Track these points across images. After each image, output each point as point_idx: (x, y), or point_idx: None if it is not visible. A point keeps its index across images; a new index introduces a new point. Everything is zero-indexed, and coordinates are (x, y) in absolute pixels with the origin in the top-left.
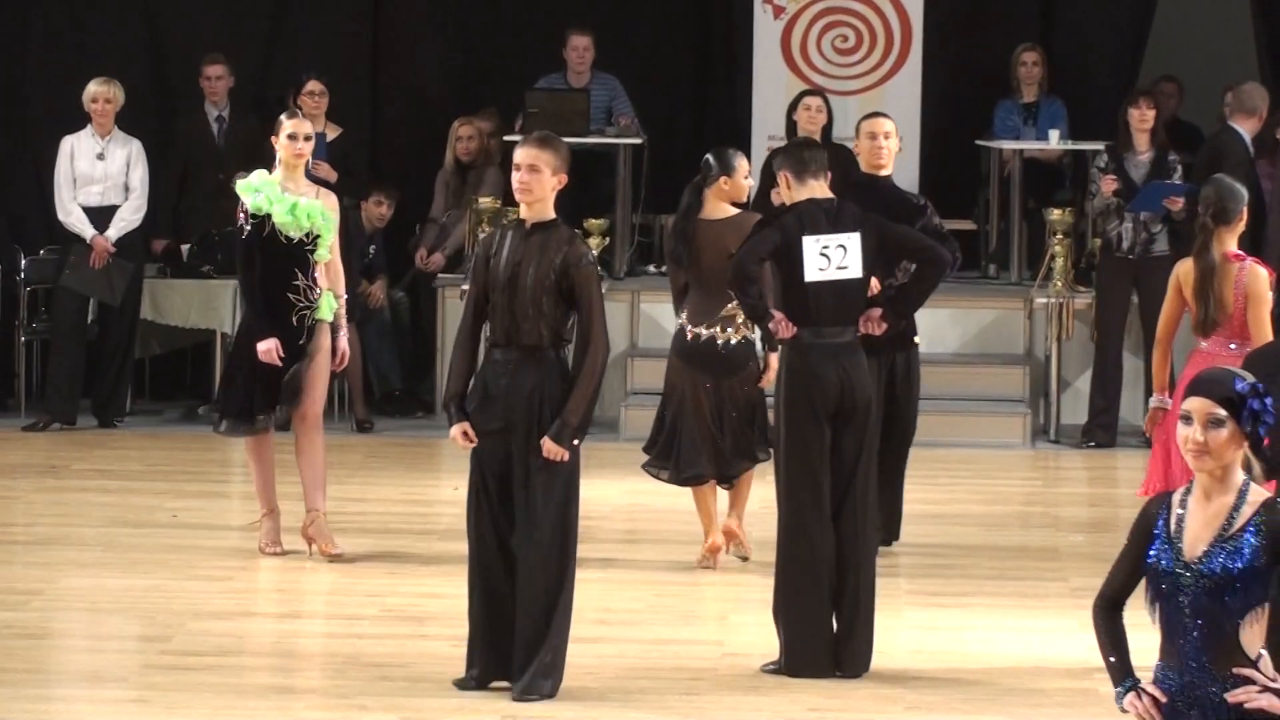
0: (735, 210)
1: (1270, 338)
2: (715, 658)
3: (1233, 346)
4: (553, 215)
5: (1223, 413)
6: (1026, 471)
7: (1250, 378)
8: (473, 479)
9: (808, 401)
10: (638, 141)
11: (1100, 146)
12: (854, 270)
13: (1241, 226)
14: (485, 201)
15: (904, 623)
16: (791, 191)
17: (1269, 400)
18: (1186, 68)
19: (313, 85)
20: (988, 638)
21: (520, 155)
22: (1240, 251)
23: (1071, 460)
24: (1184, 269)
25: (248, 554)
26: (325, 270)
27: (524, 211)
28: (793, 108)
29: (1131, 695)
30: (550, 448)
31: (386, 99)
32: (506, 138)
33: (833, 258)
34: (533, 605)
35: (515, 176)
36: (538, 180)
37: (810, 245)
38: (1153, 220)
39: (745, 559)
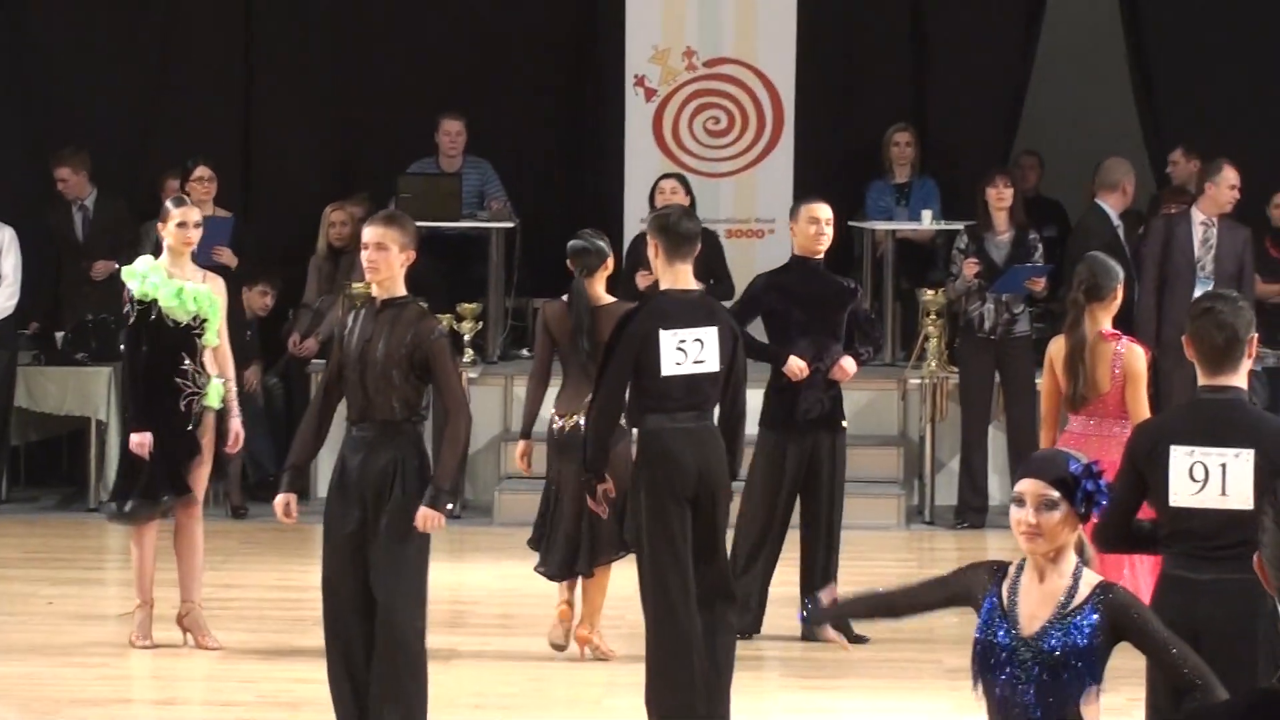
0: (611, 298)
1: (1148, 415)
2: None
3: (1092, 423)
4: (403, 292)
5: (1056, 494)
6: (901, 553)
7: (1084, 459)
8: (326, 554)
9: (668, 484)
10: (510, 225)
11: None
12: (710, 364)
13: (1116, 304)
14: (358, 286)
15: (778, 706)
16: (658, 263)
17: (1103, 482)
18: (1060, 142)
19: (201, 171)
20: None
21: (368, 234)
22: (1116, 330)
23: (945, 541)
24: (1055, 346)
25: (124, 641)
26: (213, 355)
27: (375, 290)
28: (653, 192)
29: None
30: (426, 513)
31: (259, 185)
32: None
33: (689, 351)
34: (386, 679)
35: (364, 255)
36: (384, 259)
37: (667, 340)
38: (1014, 300)
39: (606, 659)
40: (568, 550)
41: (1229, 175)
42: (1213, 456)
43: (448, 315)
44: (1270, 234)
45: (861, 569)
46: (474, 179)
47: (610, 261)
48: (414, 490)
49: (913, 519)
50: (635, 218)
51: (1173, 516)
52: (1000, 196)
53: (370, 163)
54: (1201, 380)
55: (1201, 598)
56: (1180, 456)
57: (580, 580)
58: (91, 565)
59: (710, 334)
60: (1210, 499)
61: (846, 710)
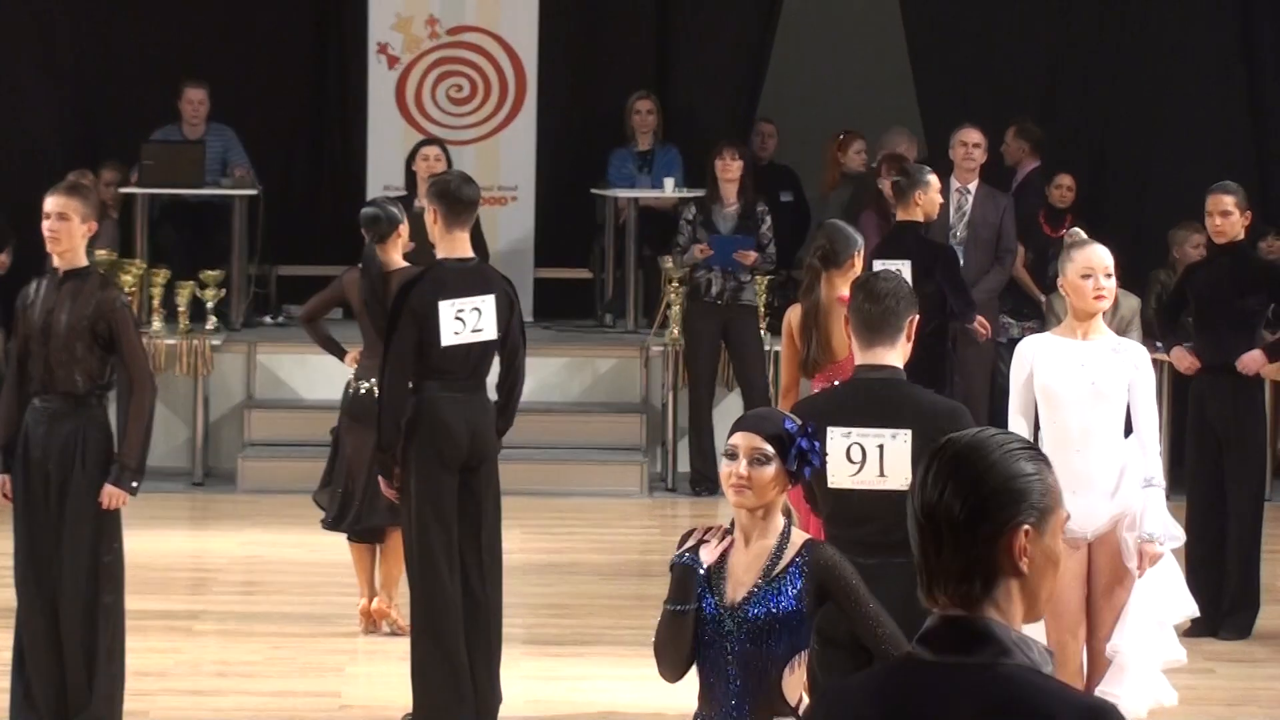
0: (403, 263)
1: None
2: (333, 709)
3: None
4: (85, 262)
5: (770, 450)
6: (644, 520)
7: (799, 420)
8: (16, 527)
9: (438, 452)
10: (253, 192)
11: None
12: (489, 332)
13: (854, 271)
14: (101, 254)
15: (520, 673)
16: (435, 229)
17: (818, 443)
18: (797, 110)
19: None
20: (607, 687)
21: (50, 204)
22: None
23: (686, 509)
24: (793, 312)
25: None
26: None
27: (56, 260)
28: (411, 158)
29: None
30: (110, 491)
31: (2, 153)
32: (123, 190)
33: (467, 321)
34: (74, 656)
35: (45, 225)
36: (66, 229)
37: (446, 310)
38: (744, 271)
39: (403, 634)
40: (343, 506)
41: (963, 133)
42: (870, 437)
43: (190, 282)
44: (1046, 211)
45: (602, 536)
46: (217, 146)
47: (404, 228)
48: (96, 465)
49: (655, 486)
50: (379, 184)
51: (833, 499)
52: (727, 169)
53: (114, 129)
54: (858, 359)
55: (869, 583)
56: (838, 437)
57: (377, 555)
58: None
59: (488, 302)
60: (869, 480)
61: (591, 676)
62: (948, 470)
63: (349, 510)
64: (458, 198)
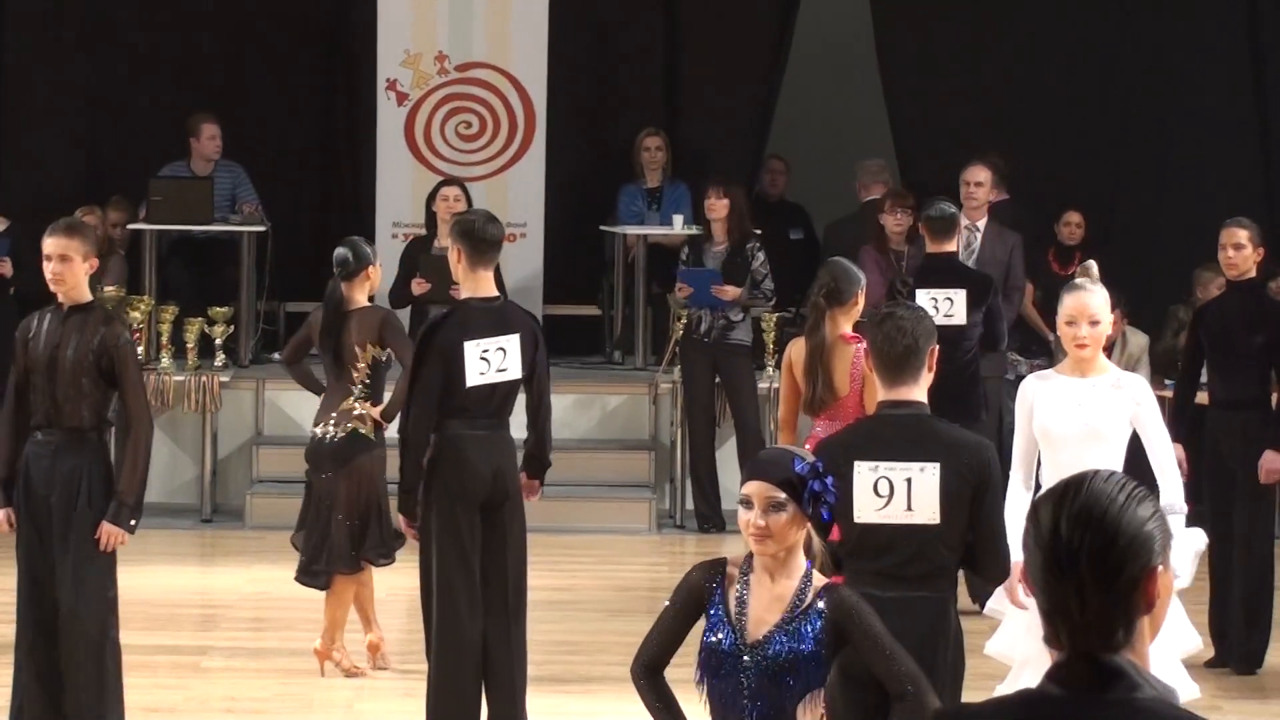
0: (366, 303)
1: None
2: None
3: (835, 428)
4: (89, 297)
5: (782, 495)
6: (652, 556)
7: (810, 458)
8: (19, 559)
9: (461, 490)
10: (262, 229)
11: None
12: (513, 372)
13: (857, 309)
14: (109, 290)
15: (529, 710)
16: (460, 269)
17: (829, 480)
18: (808, 146)
19: None
20: None
21: (49, 246)
22: (857, 334)
23: (694, 545)
24: (795, 349)
25: None
26: None
27: (60, 297)
28: (431, 198)
29: None
30: (109, 530)
31: (12, 190)
32: (131, 226)
33: (492, 361)
34: (79, 692)
35: (47, 267)
36: (69, 269)
37: (471, 350)
38: (733, 309)
39: (356, 675)
40: (308, 555)
41: (967, 173)
42: (897, 471)
43: (198, 319)
44: (1056, 249)
45: (610, 573)
46: (226, 182)
47: (373, 270)
48: (99, 503)
49: (664, 523)
50: (388, 221)
51: (858, 533)
52: (713, 208)
53: (123, 166)
54: (882, 395)
55: (887, 617)
56: (865, 471)
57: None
58: None
59: (513, 341)
60: (895, 514)
61: (599, 713)
62: (1083, 520)
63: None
64: (482, 237)
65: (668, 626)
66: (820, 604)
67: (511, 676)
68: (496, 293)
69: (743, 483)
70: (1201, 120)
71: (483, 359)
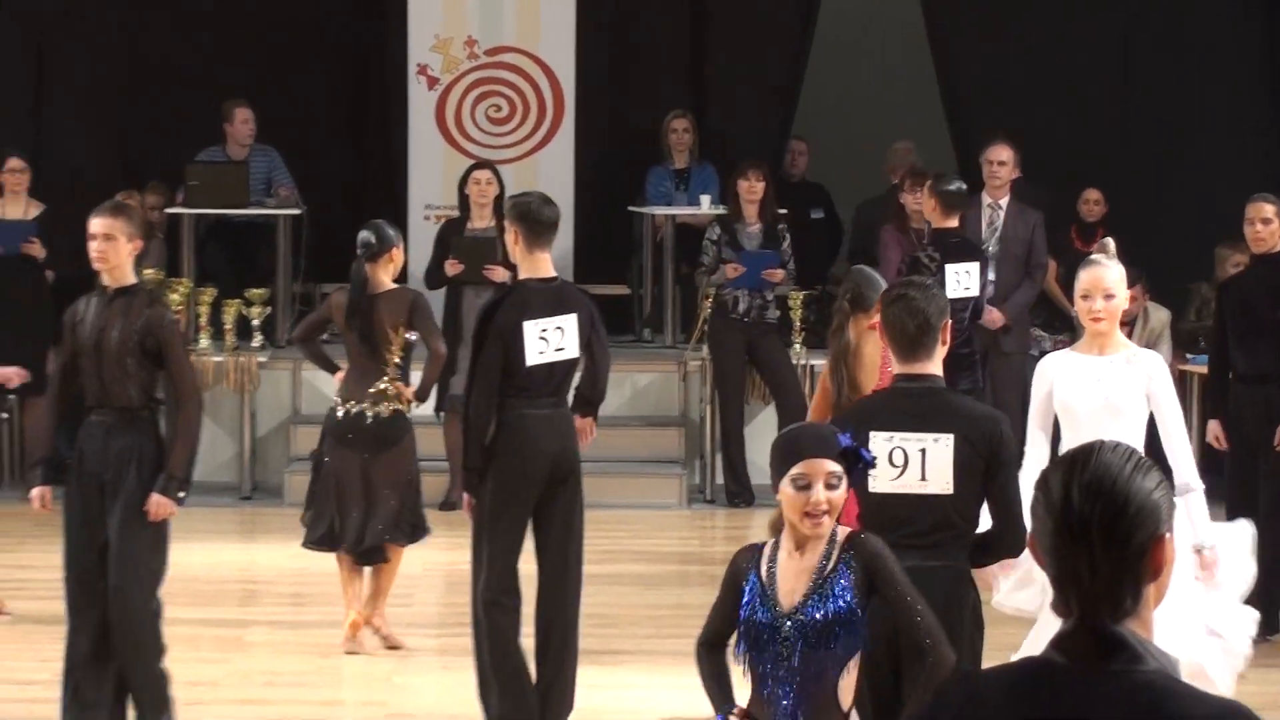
0: (394, 284)
1: None
2: (380, 719)
3: None
4: (133, 279)
5: (840, 470)
6: (683, 531)
7: (837, 431)
8: (67, 539)
9: (522, 470)
10: (297, 212)
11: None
12: (570, 351)
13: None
14: (149, 274)
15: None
16: (517, 250)
17: (864, 451)
18: (829, 127)
19: (14, 163)
20: (648, 696)
21: (95, 225)
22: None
23: (724, 520)
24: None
25: None
26: None
27: (104, 278)
28: (463, 181)
29: (732, 718)
30: (158, 500)
31: (50, 176)
32: (169, 210)
33: (551, 340)
34: (125, 662)
35: (92, 246)
36: (114, 248)
37: (530, 330)
38: (770, 289)
39: (396, 648)
40: (337, 529)
41: (990, 152)
42: (912, 441)
43: (236, 301)
44: (1078, 226)
45: (642, 547)
46: (261, 166)
47: (396, 252)
48: (150, 478)
49: (694, 498)
50: (420, 204)
51: (875, 503)
52: (751, 189)
53: (159, 151)
54: (897, 369)
55: None
56: (880, 441)
57: (365, 572)
58: None
59: (570, 321)
60: (910, 484)
61: (632, 685)
62: (1093, 490)
63: (346, 532)
64: (538, 219)
65: (720, 609)
66: (846, 555)
67: (563, 648)
68: (554, 273)
69: (790, 463)
70: (1223, 97)
71: (541, 338)
